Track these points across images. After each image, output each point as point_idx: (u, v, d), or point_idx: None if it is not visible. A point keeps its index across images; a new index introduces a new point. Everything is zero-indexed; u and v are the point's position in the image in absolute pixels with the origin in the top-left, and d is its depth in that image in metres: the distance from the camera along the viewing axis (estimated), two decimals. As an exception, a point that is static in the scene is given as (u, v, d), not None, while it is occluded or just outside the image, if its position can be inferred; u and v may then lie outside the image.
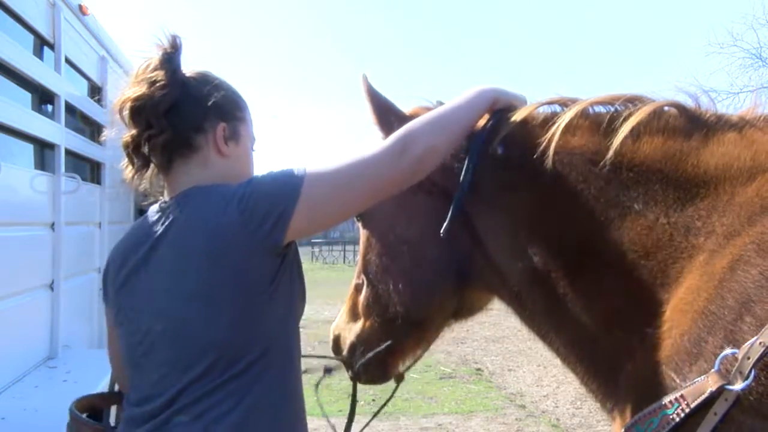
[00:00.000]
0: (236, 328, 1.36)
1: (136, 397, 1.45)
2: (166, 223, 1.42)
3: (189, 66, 1.56)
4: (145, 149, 1.49)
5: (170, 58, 1.50)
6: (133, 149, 1.50)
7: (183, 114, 1.49)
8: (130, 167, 1.53)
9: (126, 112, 1.48)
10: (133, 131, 1.49)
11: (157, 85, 1.46)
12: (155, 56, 1.51)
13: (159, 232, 1.43)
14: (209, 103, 1.51)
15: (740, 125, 1.35)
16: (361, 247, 1.83)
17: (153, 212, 1.51)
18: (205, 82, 1.54)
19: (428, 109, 1.76)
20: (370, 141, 1.79)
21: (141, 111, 1.46)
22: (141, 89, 1.47)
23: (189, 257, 1.38)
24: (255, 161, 1.64)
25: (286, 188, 1.37)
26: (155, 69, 1.49)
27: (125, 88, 1.51)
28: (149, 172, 1.54)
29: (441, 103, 1.80)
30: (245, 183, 1.41)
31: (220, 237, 1.35)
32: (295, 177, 1.38)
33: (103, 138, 1.59)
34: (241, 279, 1.36)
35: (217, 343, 1.37)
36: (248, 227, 1.34)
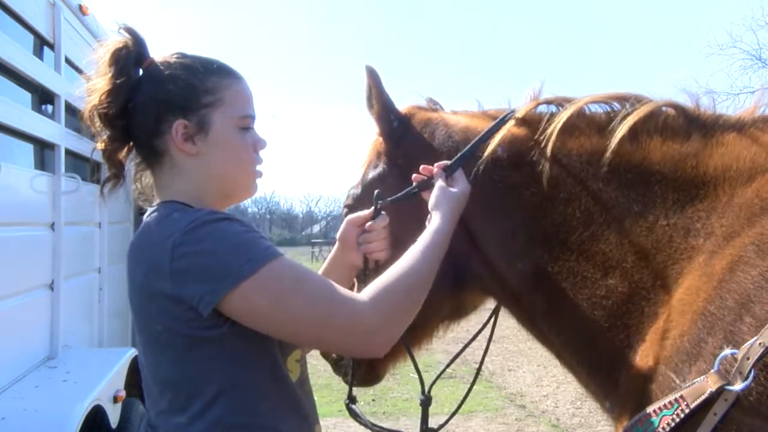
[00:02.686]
0: (181, 367, 1.26)
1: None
2: (133, 240, 1.33)
3: (160, 52, 1.40)
4: (119, 156, 1.39)
5: (117, 59, 1.34)
6: (105, 156, 1.39)
7: (137, 119, 1.35)
8: (108, 173, 1.41)
9: (94, 120, 1.37)
10: (103, 138, 1.38)
11: (102, 91, 1.33)
12: (105, 56, 1.35)
13: (129, 248, 1.33)
14: (161, 101, 1.33)
15: (739, 126, 1.35)
16: None
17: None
18: (158, 75, 1.35)
19: (420, 108, 1.75)
20: (367, 142, 1.79)
21: (97, 119, 1.35)
22: (94, 95, 1.35)
23: (135, 289, 1.29)
24: (259, 137, 1.42)
25: (228, 268, 1.19)
26: (101, 74, 1.35)
27: (90, 91, 1.38)
28: (140, 178, 1.45)
29: (433, 101, 1.78)
30: (190, 227, 1.21)
31: (152, 278, 1.23)
32: (247, 262, 1.19)
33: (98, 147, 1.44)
34: (173, 323, 1.23)
35: (168, 382, 1.28)
36: (175, 281, 1.20)
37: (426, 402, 1.70)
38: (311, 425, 1.40)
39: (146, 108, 1.34)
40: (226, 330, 1.23)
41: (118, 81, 1.33)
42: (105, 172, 1.42)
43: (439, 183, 1.51)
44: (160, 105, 1.33)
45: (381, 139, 1.71)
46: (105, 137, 1.38)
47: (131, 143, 1.41)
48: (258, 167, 1.43)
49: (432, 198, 1.49)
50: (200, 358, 1.25)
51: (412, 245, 1.38)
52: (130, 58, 1.36)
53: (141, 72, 1.38)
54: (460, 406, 1.84)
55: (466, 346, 1.85)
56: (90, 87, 1.37)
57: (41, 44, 3.52)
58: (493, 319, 1.77)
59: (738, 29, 26.46)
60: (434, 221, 1.44)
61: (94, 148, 1.42)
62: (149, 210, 1.36)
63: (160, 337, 1.27)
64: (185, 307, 1.21)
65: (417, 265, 1.33)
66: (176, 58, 1.38)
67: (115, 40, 1.37)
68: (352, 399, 1.76)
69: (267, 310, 1.21)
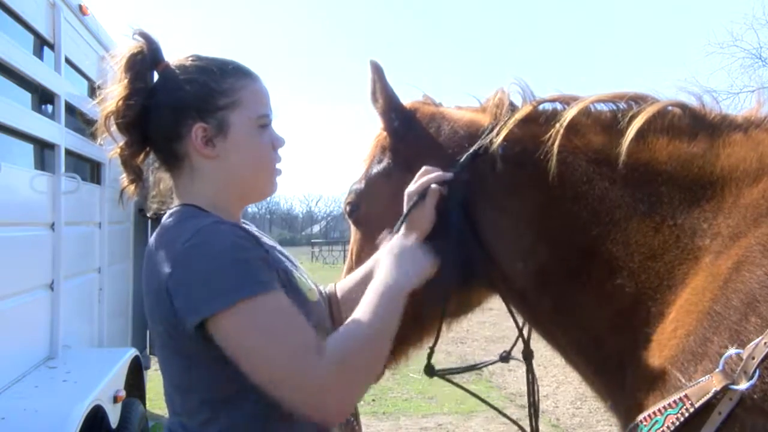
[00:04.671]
0: (189, 373, 1.27)
1: None
2: (149, 243, 1.32)
3: (174, 55, 1.39)
4: (137, 162, 1.39)
5: (133, 64, 1.34)
6: (123, 162, 1.39)
7: (155, 124, 1.36)
8: (126, 179, 1.41)
9: (111, 126, 1.37)
10: (120, 144, 1.38)
11: (119, 98, 1.33)
12: (120, 62, 1.35)
13: (146, 252, 1.33)
14: (177, 105, 1.33)
15: (745, 126, 1.34)
16: (352, 247, 1.78)
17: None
18: (174, 79, 1.35)
19: (425, 103, 1.74)
20: (370, 137, 1.78)
21: (114, 125, 1.35)
22: (110, 102, 1.35)
23: (147, 293, 1.29)
24: (277, 135, 1.42)
25: (210, 295, 1.17)
26: (117, 80, 1.35)
27: (105, 98, 1.38)
28: (158, 181, 1.46)
29: (430, 99, 1.77)
30: (190, 242, 1.20)
31: (158, 285, 1.23)
32: (235, 288, 1.17)
33: (100, 142, 1.45)
34: (175, 330, 1.23)
35: (178, 386, 1.30)
36: (170, 292, 1.20)
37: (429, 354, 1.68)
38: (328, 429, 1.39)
39: (164, 112, 1.34)
40: None
41: (135, 86, 1.33)
42: (124, 177, 1.42)
43: (401, 233, 1.47)
44: (178, 109, 1.33)
45: (385, 133, 1.70)
46: (122, 143, 1.37)
47: (148, 148, 1.40)
48: (277, 165, 1.43)
49: (391, 249, 1.43)
50: (207, 365, 1.25)
51: (365, 303, 1.30)
52: (145, 62, 1.36)
53: (156, 75, 1.38)
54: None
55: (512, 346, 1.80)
56: (106, 94, 1.37)
57: (41, 44, 3.52)
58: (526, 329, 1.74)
59: (738, 28, 26.51)
60: (384, 272, 1.36)
61: (111, 154, 1.41)
62: (168, 212, 1.36)
63: (168, 342, 1.27)
64: (182, 318, 1.21)
65: (374, 328, 1.25)
66: (191, 60, 1.37)
67: (130, 45, 1.37)
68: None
69: (235, 342, 1.18)
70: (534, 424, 1.63)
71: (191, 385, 1.27)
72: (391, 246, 1.45)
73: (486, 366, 1.95)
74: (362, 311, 1.28)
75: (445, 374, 1.73)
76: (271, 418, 1.27)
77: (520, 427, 1.70)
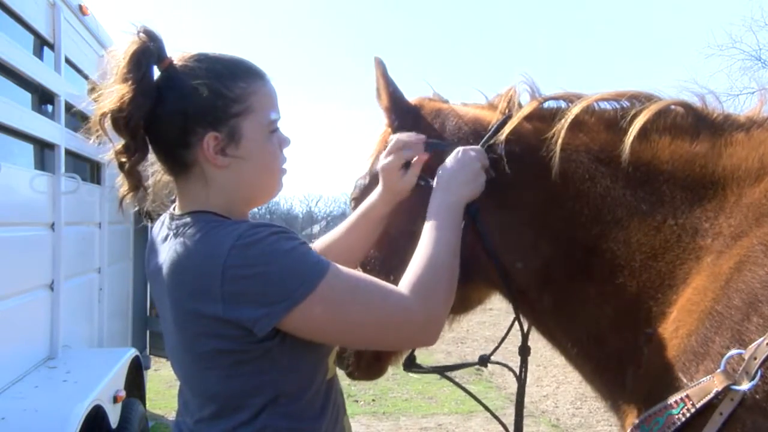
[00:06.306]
0: (230, 382, 1.26)
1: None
2: (166, 253, 1.27)
3: (176, 53, 1.32)
4: (138, 167, 1.32)
5: (139, 62, 1.26)
6: (122, 168, 1.31)
7: (162, 129, 1.29)
8: (125, 186, 1.33)
9: (107, 125, 1.28)
10: (117, 147, 1.30)
11: (125, 98, 1.24)
12: (124, 59, 1.27)
13: (160, 260, 1.29)
14: (188, 113, 1.26)
15: (747, 126, 1.34)
16: None
17: (163, 224, 1.36)
18: (182, 82, 1.27)
19: (431, 100, 1.73)
20: (376, 133, 1.77)
21: (116, 125, 1.26)
22: (110, 100, 1.26)
23: (177, 309, 1.26)
24: (284, 136, 1.39)
25: (284, 292, 1.18)
26: (120, 78, 1.26)
27: (103, 95, 1.29)
28: (157, 181, 1.40)
29: (439, 96, 1.77)
30: (237, 247, 1.18)
31: (200, 300, 1.20)
32: (302, 284, 1.19)
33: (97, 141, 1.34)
34: (223, 343, 1.22)
35: (214, 396, 1.28)
36: (227, 304, 1.18)
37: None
38: (341, 420, 1.42)
39: (172, 118, 1.27)
40: (276, 342, 1.23)
41: (142, 86, 1.25)
42: (123, 183, 1.34)
43: (458, 149, 1.50)
44: (188, 117, 1.27)
45: (390, 130, 1.70)
46: (119, 146, 1.29)
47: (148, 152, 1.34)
48: (283, 165, 1.40)
49: (444, 166, 1.48)
50: (248, 373, 1.25)
51: (426, 226, 1.40)
52: (151, 61, 1.28)
53: (159, 74, 1.31)
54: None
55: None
56: (107, 92, 1.28)
57: (41, 44, 3.52)
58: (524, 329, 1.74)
59: (738, 30, 26.61)
60: (438, 194, 1.45)
61: (109, 159, 1.34)
62: (179, 221, 1.30)
63: (207, 356, 1.25)
64: (238, 328, 1.20)
65: (438, 247, 1.35)
66: (199, 62, 1.30)
67: (133, 40, 1.28)
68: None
69: (324, 323, 1.23)
70: (518, 417, 1.66)
71: (228, 394, 1.26)
72: (445, 166, 1.49)
73: (463, 369, 1.99)
74: (425, 238, 1.37)
75: (419, 372, 1.78)
76: (303, 414, 1.29)
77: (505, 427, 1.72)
